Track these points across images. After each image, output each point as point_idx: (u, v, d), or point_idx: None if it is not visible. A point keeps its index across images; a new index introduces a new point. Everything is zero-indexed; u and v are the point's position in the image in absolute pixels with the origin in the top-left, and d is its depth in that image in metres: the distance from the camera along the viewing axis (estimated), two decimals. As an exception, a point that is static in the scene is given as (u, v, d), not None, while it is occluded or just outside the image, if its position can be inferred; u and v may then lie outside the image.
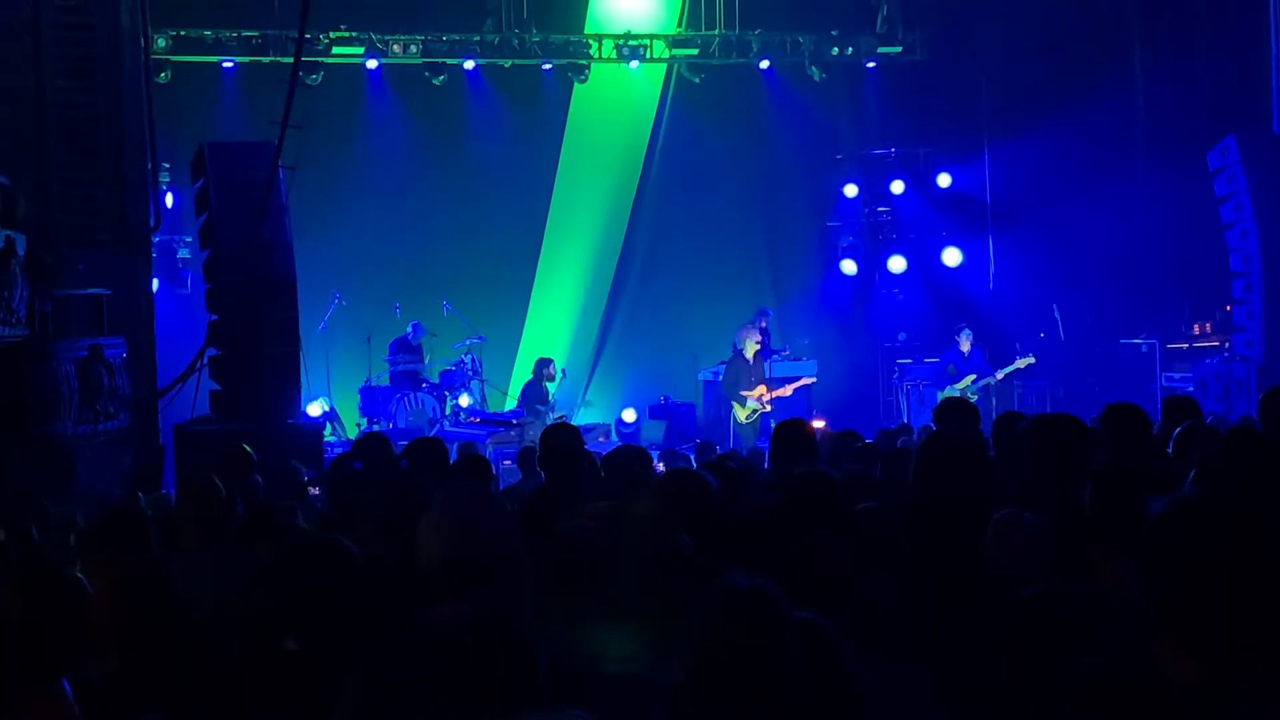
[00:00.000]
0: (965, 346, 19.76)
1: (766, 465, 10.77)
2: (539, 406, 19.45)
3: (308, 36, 16.82)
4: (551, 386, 19.83)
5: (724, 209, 23.30)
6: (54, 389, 12.31)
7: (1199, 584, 2.60)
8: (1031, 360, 19.50)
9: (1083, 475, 4.78)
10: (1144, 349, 20.33)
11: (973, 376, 19.42)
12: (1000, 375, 19.47)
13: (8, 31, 14.42)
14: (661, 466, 11.61)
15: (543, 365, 19.98)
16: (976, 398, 18.29)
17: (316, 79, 20.71)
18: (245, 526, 7.34)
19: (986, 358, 19.79)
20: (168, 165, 17.82)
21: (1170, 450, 6.72)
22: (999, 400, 18.93)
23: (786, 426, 7.88)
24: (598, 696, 3.32)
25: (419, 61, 21.92)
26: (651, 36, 22.73)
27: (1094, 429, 6.40)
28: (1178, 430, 6.97)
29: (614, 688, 3.61)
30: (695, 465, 11.71)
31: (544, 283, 23.70)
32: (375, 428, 19.32)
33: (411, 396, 20.28)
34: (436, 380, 20.73)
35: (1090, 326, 21.54)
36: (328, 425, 18.98)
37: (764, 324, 20.27)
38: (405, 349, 20.71)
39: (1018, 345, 20.03)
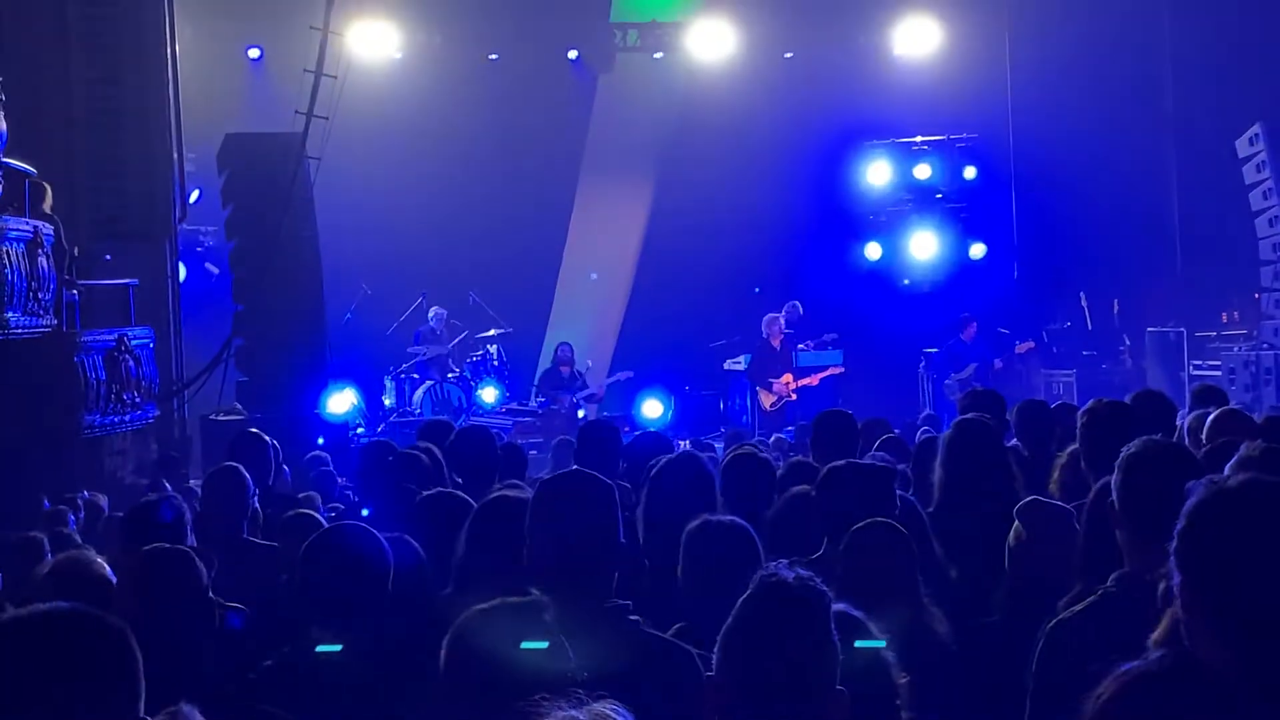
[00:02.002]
0: (968, 335, 19.77)
1: (792, 454, 10.77)
2: (559, 393, 19.45)
3: (332, 28, 16.84)
4: (579, 369, 19.84)
5: (749, 198, 23.22)
6: (81, 379, 12.35)
7: (1239, 570, 2.58)
8: (1031, 345, 19.49)
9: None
10: (1171, 337, 20.21)
11: (973, 366, 19.40)
12: (999, 364, 19.46)
13: (34, 25, 14.47)
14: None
15: (558, 350, 19.99)
16: (977, 385, 18.24)
17: (341, 70, 20.69)
18: (270, 517, 7.37)
19: (989, 344, 19.78)
20: (194, 156, 17.84)
21: (1204, 437, 6.68)
22: (1025, 388, 18.87)
23: (829, 417, 7.84)
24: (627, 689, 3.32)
25: (444, 51, 21.89)
26: (677, 25, 22.67)
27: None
28: (1211, 416, 6.92)
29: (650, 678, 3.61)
30: (722, 455, 11.69)
31: (569, 273, 23.69)
32: (400, 419, 19.35)
33: (438, 387, 20.28)
34: (463, 371, 20.73)
35: (1118, 315, 21.45)
36: (355, 415, 19.02)
37: (793, 316, 20.23)
38: (430, 338, 20.71)
39: (1044, 335, 19.97)
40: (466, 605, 3.66)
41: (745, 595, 3.06)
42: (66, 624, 2.79)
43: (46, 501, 9.19)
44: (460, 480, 7.17)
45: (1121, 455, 4.19)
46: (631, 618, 3.94)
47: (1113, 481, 4.18)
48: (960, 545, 5.58)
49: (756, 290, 22.21)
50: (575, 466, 5.05)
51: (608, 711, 2.43)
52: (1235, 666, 2.54)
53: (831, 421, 7.68)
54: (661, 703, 3.36)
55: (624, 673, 3.43)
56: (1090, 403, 6.43)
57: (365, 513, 6.80)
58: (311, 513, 6.73)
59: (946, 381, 19.52)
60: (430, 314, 20.92)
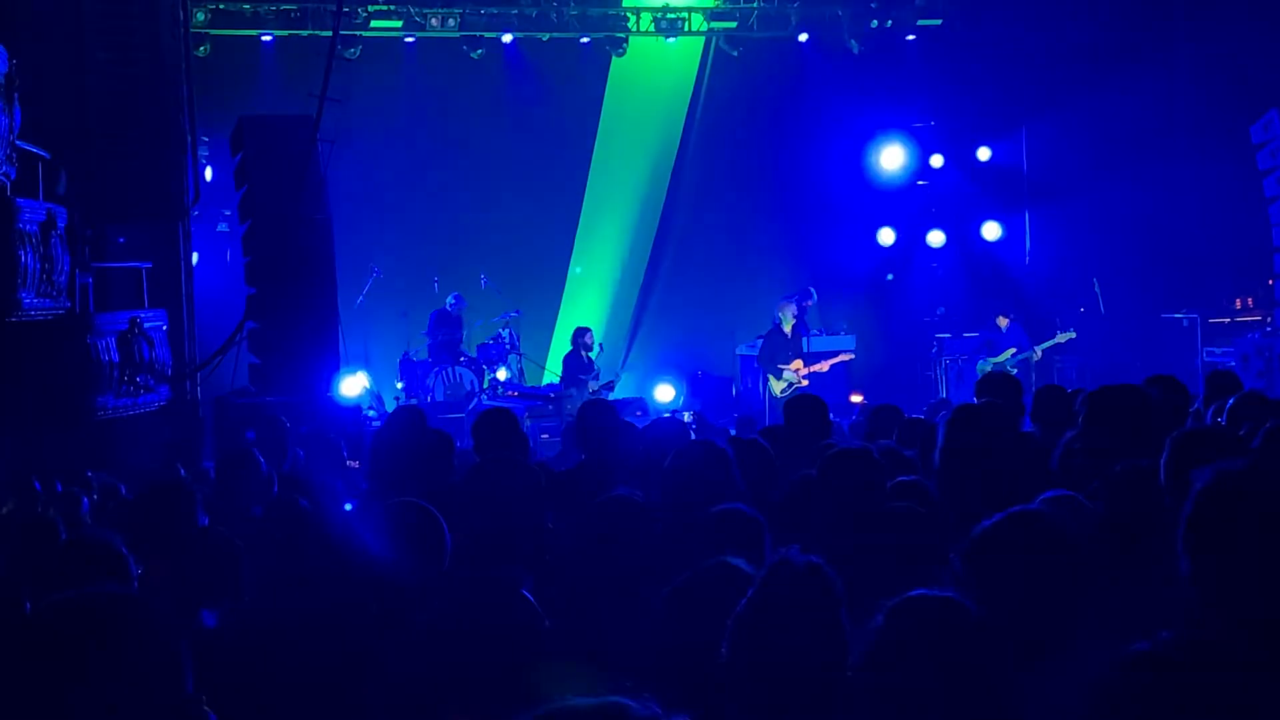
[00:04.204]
0: (1003, 322, 19.69)
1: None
2: (581, 376, 19.43)
3: (346, 10, 16.83)
4: (593, 354, 19.84)
5: (762, 183, 23.22)
6: (94, 362, 12.37)
7: (1243, 553, 2.58)
8: (1072, 335, 19.38)
9: (1145, 446, 4.75)
10: (1185, 323, 20.18)
11: (1012, 350, 19.34)
12: (1039, 350, 19.37)
13: (48, 6, 14.46)
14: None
15: (581, 335, 19.97)
16: (1015, 371, 18.17)
17: (355, 53, 20.73)
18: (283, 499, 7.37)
19: (1026, 333, 19.70)
20: (207, 139, 17.87)
21: (1224, 421, 6.66)
22: (1039, 375, 18.83)
23: (798, 403, 7.87)
24: (640, 671, 3.32)
25: (457, 35, 21.88)
26: (689, 10, 22.64)
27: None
28: (1231, 401, 6.90)
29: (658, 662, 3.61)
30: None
31: (581, 257, 23.69)
32: (413, 401, 19.34)
33: (449, 370, 20.29)
34: (474, 354, 20.75)
35: (1131, 301, 21.40)
36: (367, 398, 19.04)
37: (806, 303, 20.18)
38: (445, 321, 20.72)
39: (1058, 320, 19.92)
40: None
41: (756, 580, 3.06)
42: (108, 607, 2.83)
43: (59, 484, 9.20)
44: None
45: (1170, 439, 4.20)
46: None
47: (1162, 460, 4.18)
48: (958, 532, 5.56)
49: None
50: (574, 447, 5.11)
51: (623, 701, 2.40)
52: (1242, 647, 2.54)
53: (799, 408, 7.71)
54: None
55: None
56: (1091, 390, 6.40)
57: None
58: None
59: (979, 366, 19.42)
60: (448, 298, 20.93)
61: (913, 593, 2.98)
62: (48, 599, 2.93)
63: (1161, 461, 4.21)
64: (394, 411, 10.07)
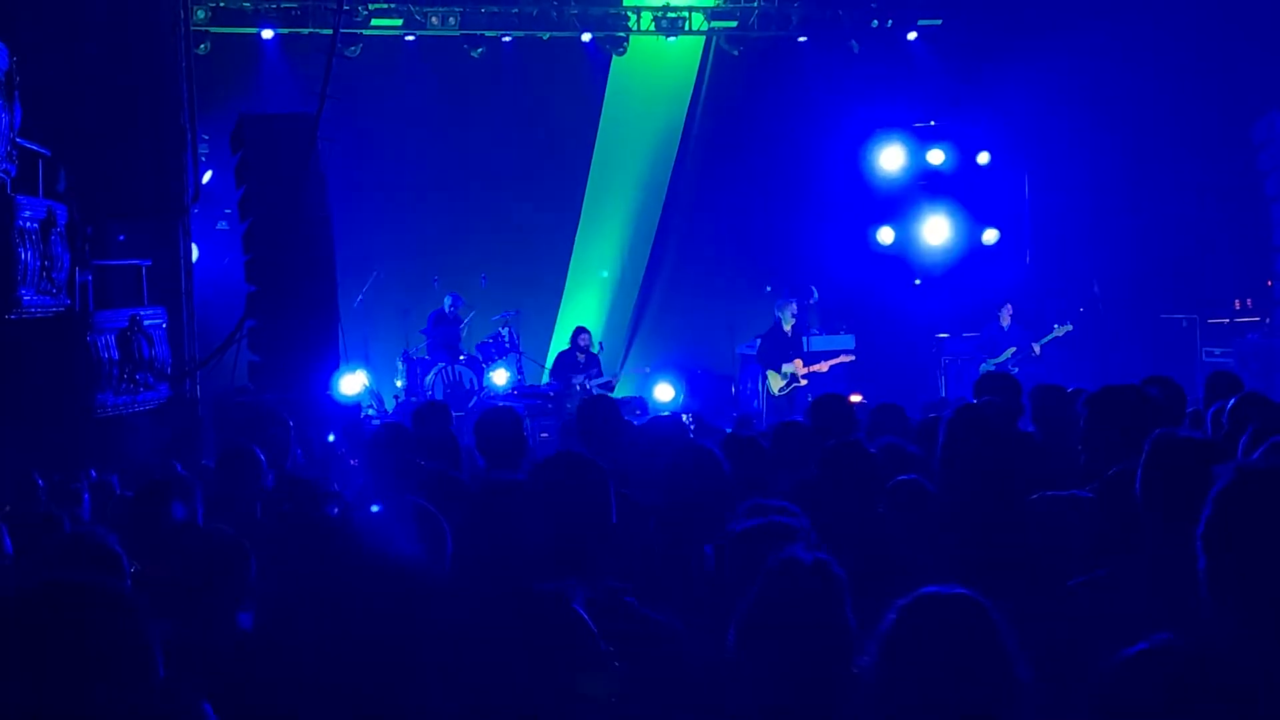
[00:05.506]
0: (1005, 320, 19.69)
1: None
2: (570, 375, 19.45)
3: (346, 8, 16.83)
4: (594, 350, 19.84)
5: (762, 182, 23.21)
6: (94, 359, 12.36)
7: (1264, 553, 2.57)
8: (1069, 328, 19.40)
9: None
10: (1184, 324, 20.19)
11: (1012, 349, 19.34)
12: (1038, 346, 19.37)
13: (48, 4, 14.46)
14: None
15: (576, 335, 19.98)
16: (1017, 370, 18.17)
17: (355, 51, 20.73)
18: (282, 497, 7.38)
19: (1025, 331, 19.71)
20: (207, 136, 17.85)
21: (1225, 422, 6.66)
22: (1038, 372, 18.82)
23: (825, 401, 7.87)
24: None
25: (457, 33, 21.89)
26: (690, 9, 22.63)
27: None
28: (1233, 401, 6.89)
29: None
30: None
31: (581, 256, 23.70)
32: (413, 400, 19.34)
33: (449, 369, 20.29)
34: (474, 353, 20.75)
35: (1130, 302, 21.40)
36: (366, 396, 19.05)
37: (808, 302, 20.17)
38: (443, 321, 20.73)
39: (1052, 312, 19.90)
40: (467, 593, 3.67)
41: (762, 576, 3.06)
42: (78, 595, 2.82)
43: (51, 481, 9.19)
44: (484, 462, 7.19)
45: (1149, 442, 4.20)
46: (627, 599, 3.94)
47: (1140, 462, 4.18)
48: (958, 529, 5.57)
49: (768, 289, 22.11)
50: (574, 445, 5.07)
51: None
52: (1258, 648, 2.54)
53: (827, 406, 7.72)
54: (656, 679, 3.35)
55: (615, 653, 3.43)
56: (1093, 391, 6.41)
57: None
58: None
59: (982, 366, 19.44)
60: (445, 299, 20.94)
61: (923, 590, 2.98)
62: (29, 584, 2.91)
63: (1140, 463, 4.20)
64: (422, 405, 10.05)
